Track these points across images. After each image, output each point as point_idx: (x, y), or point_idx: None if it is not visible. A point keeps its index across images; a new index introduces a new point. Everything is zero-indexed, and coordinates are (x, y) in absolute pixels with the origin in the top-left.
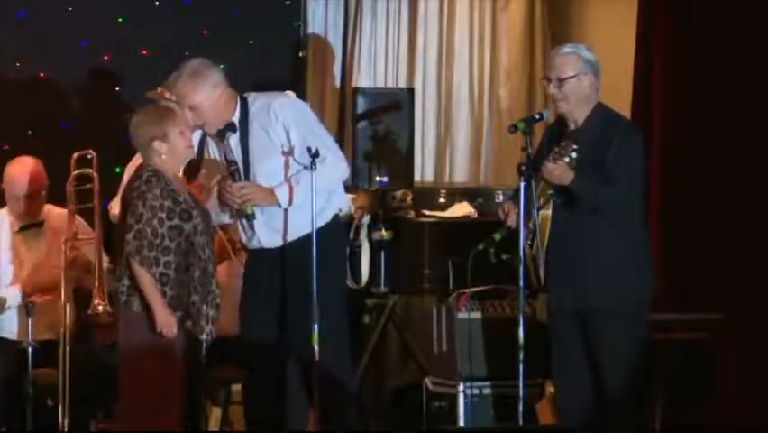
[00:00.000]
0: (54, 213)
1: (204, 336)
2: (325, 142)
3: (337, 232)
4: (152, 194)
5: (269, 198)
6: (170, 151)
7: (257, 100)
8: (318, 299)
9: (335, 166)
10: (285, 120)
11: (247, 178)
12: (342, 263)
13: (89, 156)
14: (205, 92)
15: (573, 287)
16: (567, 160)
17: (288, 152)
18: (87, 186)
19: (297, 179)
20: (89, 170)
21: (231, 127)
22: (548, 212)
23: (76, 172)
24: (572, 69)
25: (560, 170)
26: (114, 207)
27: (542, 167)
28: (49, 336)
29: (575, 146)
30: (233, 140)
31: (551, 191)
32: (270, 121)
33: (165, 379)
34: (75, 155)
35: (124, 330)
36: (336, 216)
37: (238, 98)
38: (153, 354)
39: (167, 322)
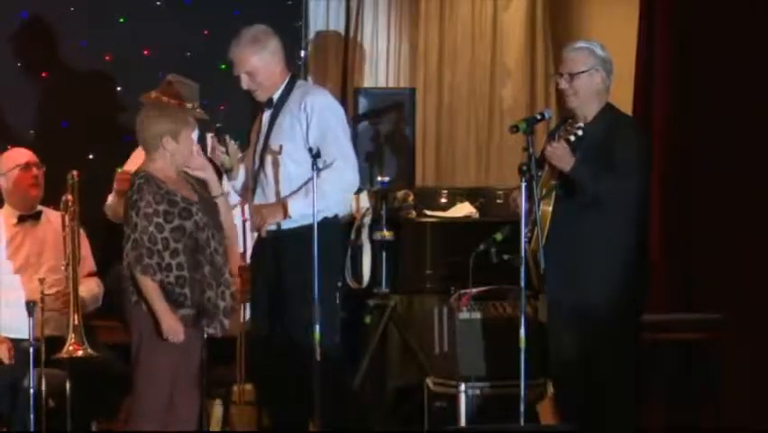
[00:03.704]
0: (52, 215)
1: (213, 330)
2: (341, 148)
3: (330, 232)
4: (145, 201)
5: (278, 215)
6: (176, 150)
7: (302, 87)
8: (304, 296)
9: (341, 173)
10: (310, 113)
11: (262, 155)
12: (333, 263)
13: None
14: (263, 59)
15: (571, 284)
16: (572, 138)
17: (302, 144)
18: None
19: (307, 189)
20: (69, 197)
21: (268, 103)
22: (549, 208)
23: (63, 198)
24: (584, 65)
25: (561, 150)
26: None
27: (546, 146)
28: (55, 332)
29: (581, 124)
30: (266, 115)
31: (553, 182)
32: (299, 108)
33: (177, 377)
34: (68, 176)
35: (137, 328)
36: (330, 218)
37: (288, 77)
38: (165, 352)
39: (174, 329)
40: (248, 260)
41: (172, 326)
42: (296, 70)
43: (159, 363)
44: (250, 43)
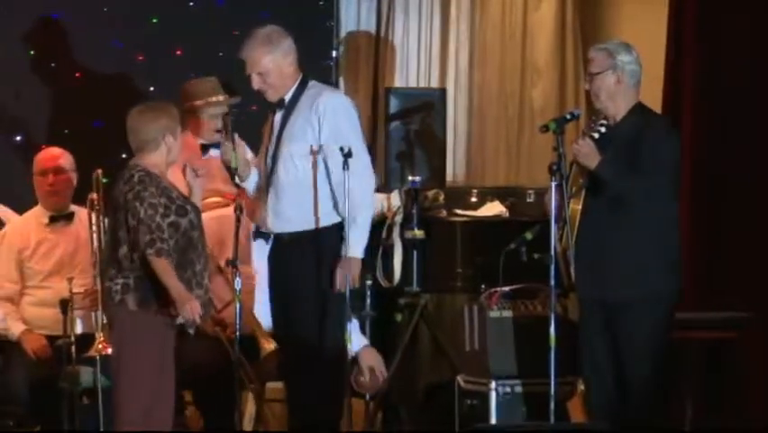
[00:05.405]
0: (84, 215)
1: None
2: (355, 150)
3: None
4: (149, 192)
5: (356, 266)
6: (174, 146)
7: (314, 87)
8: (320, 296)
9: (360, 177)
10: (323, 113)
11: (274, 156)
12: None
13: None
14: (275, 59)
15: (601, 283)
16: (596, 135)
17: (316, 144)
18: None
19: (347, 225)
20: (94, 195)
21: (280, 103)
22: (578, 207)
23: (89, 197)
24: (599, 66)
25: (587, 147)
26: None
27: (573, 144)
28: (85, 328)
29: (604, 121)
30: (278, 116)
31: (582, 180)
32: (310, 110)
33: (159, 378)
34: (94, 175)
35: (120, 330)
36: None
37: (300, 77)
38: (148, 353)
39: (191, 304)
40: (254, 264)
41: (189, 300)
42: (327, 71)
43: (142, 367)
44: (262, 43)
